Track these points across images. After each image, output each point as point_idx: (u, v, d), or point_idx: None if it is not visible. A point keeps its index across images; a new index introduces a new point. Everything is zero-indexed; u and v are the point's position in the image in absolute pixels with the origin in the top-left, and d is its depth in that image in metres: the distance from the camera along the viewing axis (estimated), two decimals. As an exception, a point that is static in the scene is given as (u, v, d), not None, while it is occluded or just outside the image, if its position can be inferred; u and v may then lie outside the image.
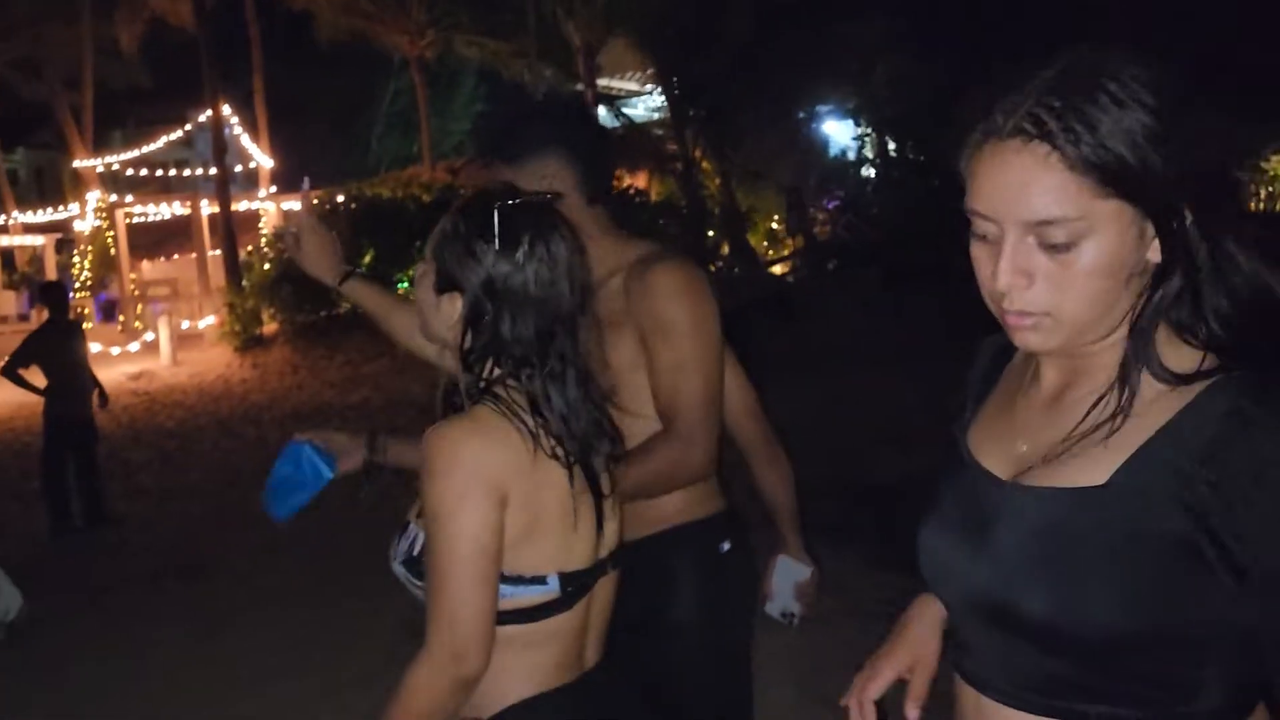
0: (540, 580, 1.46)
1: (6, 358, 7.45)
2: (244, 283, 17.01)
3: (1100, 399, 1.03)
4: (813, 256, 17.79)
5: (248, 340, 16.26)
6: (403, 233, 16.51)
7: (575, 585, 1.48)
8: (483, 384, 1.48)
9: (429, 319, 1.55)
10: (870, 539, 5.48)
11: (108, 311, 20.89)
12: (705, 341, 1.90)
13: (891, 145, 18.40)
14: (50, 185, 30.10)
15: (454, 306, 1.49)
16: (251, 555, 6.41)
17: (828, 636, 3.92)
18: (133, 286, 20.24)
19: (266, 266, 16.79)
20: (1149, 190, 0.96)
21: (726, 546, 1.99)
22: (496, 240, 1.46)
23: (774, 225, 21.35)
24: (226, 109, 19.90)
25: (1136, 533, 0.97)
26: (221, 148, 18.36)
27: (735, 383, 2.36)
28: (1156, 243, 0.99)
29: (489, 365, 1.49)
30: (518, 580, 1.44)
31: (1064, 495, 1.02)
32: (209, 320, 17.91)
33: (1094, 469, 1.00)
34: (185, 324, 17.91)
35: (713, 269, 16.86)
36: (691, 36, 16.67)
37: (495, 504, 1.39)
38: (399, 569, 1.54)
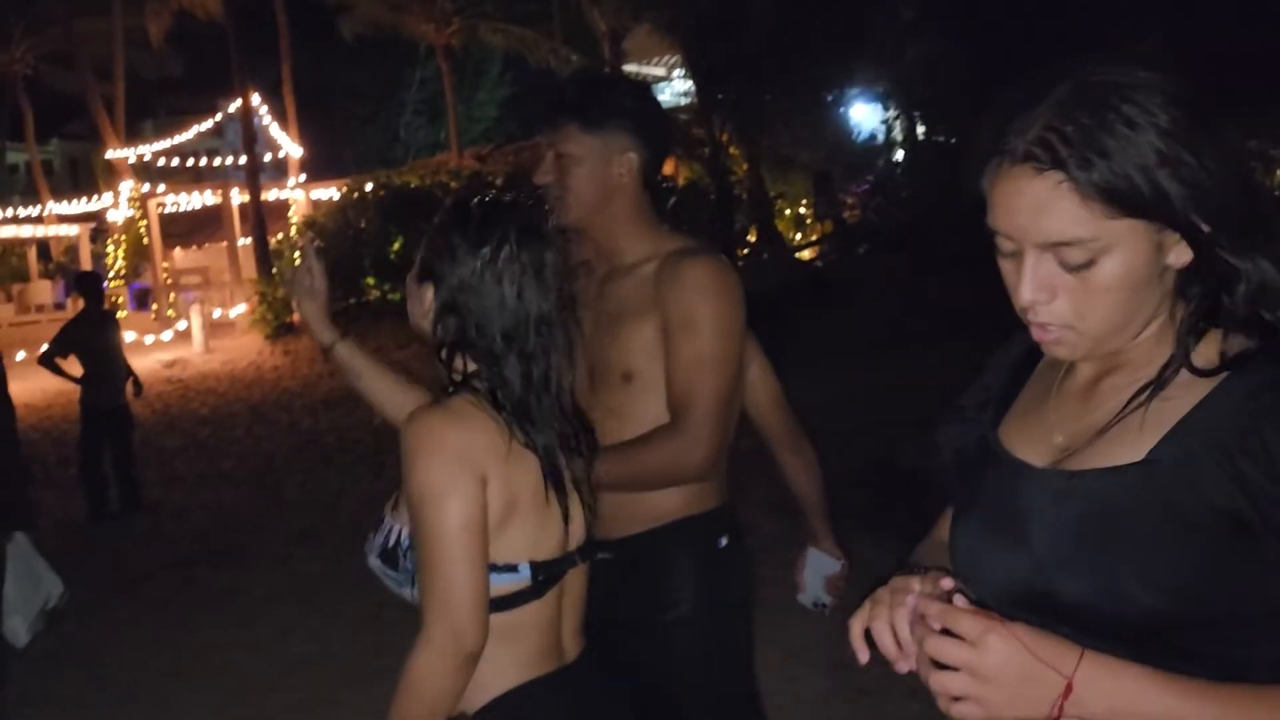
0: (512, 568, 1.50)
1: (43, 347, 7.56)
2: (274, 271, 17.15)
3: (1140, 390, 1.04)
4: (842, 241, 17.70)
5: (279, 328, 16.41)
6: (431, 221, 16.56)
7: (545, 574, 1.53)
8: (458, 376, 1.53)
9: (411, 306, 1.63)
10: (900, 527, 5.44)
11: (141, 300, 21.14)
12: (727, 342, 1.88)
13: (921, 128, 18.23)
14: (84, 176, 30.47)
15: (427, 295, 1.57)
16: (285, 542, 6.48)
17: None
18: (165, 275, 20.46)
19: (296, 255, 16.91)
20: (1162, 210, 0.98)
21: (724, 542, 1.98)
22: (471, 238, 1.53)
23: (802, 210, 21.24)
24: (255, 99, 20.01)
25: (1177, 509, 0.97)
26: (251, 137, 18.50)
27: (761, 373, 2.35)
28: (1177, 248, 1.01)
29: (461, 358, 1.55)
30: (490, 568, 1.47)
31: (1102, 476, 1.02)
32: (240, 308, 18.08)
33: (1131, 448, 1.01)
34: (217, 312, 18.10)
35: (741, 255, 16.80)
36: (718, 20, 16.56)
37: (479, 484, 1.45)
38: (375, 562, 1.58)
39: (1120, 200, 0.96)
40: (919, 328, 10.46)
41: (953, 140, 15.99)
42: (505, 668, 1.51)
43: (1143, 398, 1.03)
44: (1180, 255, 1.01)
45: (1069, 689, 0.93)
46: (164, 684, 4.41)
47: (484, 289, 1.51)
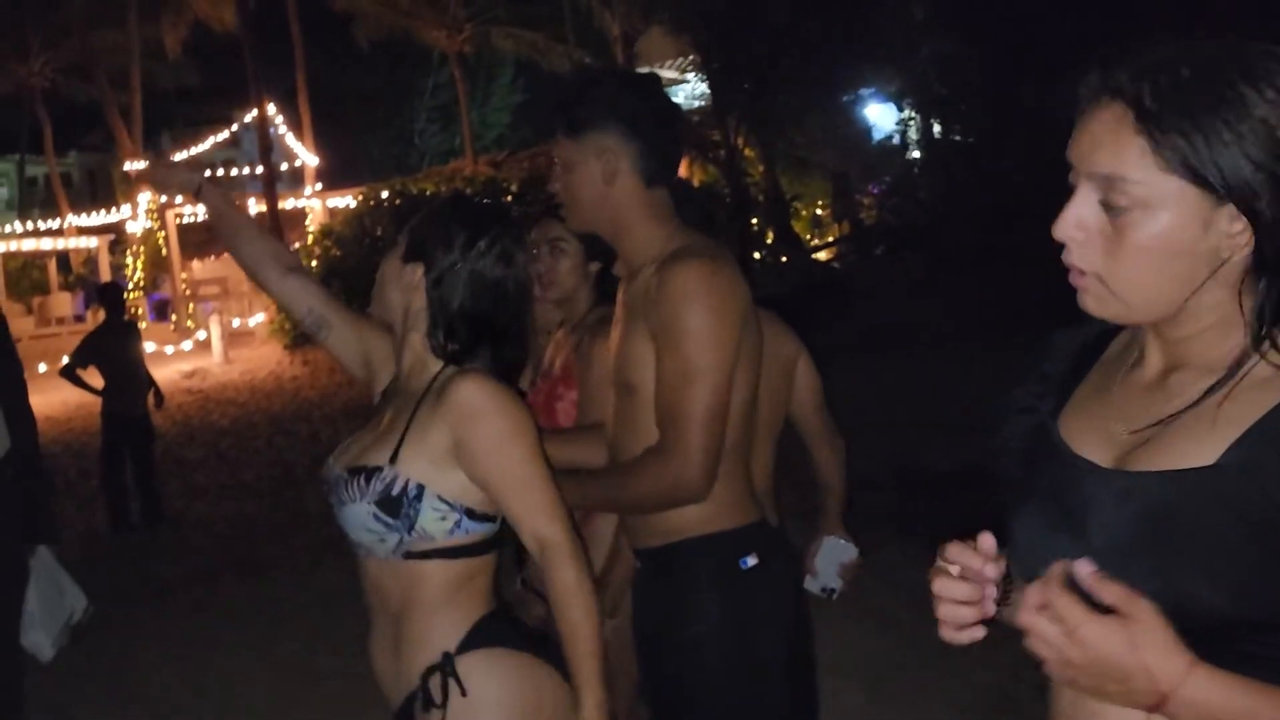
0: (490, 518, 1.71)
1: (65, 358, 7.57)
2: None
3: (1212, 387, 1.00)
4: (859, 242, 17.63)
5: (297, 337, 16.43)
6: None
7: (502, 528, 1.75)
8: (450, 351, 1.73)
9: (387, 287, 1.78)
10: (932, 531, 5.36)
11: (160, 311, 21.24)
12: (714, 352, 1.75)
13: (937, 127, 18.14)
14: (102, 187, 30.72)
15: (415, 275, 1.73)
16: (309, 554, 6.45)
17: (894, 634, 3.86)
18: (184, 286, 20.55)
19: (314, 264, 16.95)
20: (1218, 179, 0.95)
21: (750, 562, 1.85)
22: (470, 228, 1.72)
23: (818, 211, 21.18)
24: (271, 108, 20.08)
25: (1244, 513, 0.94)
26: (267, 147, 18.54)
27: (805, 370, 2.43)
28: (1230, 231, 0.97)
29: (444, 336, 1.73)
30: (483, 517, 1.69)
31: (1170, 478, 0.99)
32: (259, 318, 18.13)
33: (1201, 450, 0.98)
34: (236, 322, 18.17)
35: (758, 257, 16.74)
36: (732, 21, 16.52)
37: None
38: (366, 508, 1.66)
39: (1176, 152, 0.95)
40: (937, 329, 10.39)
41: (970, 140, 15.90)
42: (479, 600, 1.71)
43: (1213, 397, 0.99)
44: (1233, 242, 0.97)
45: (1164, 698, 0.91)
46: (190, 699, 4.38)
47: (479, 272, 1.71)
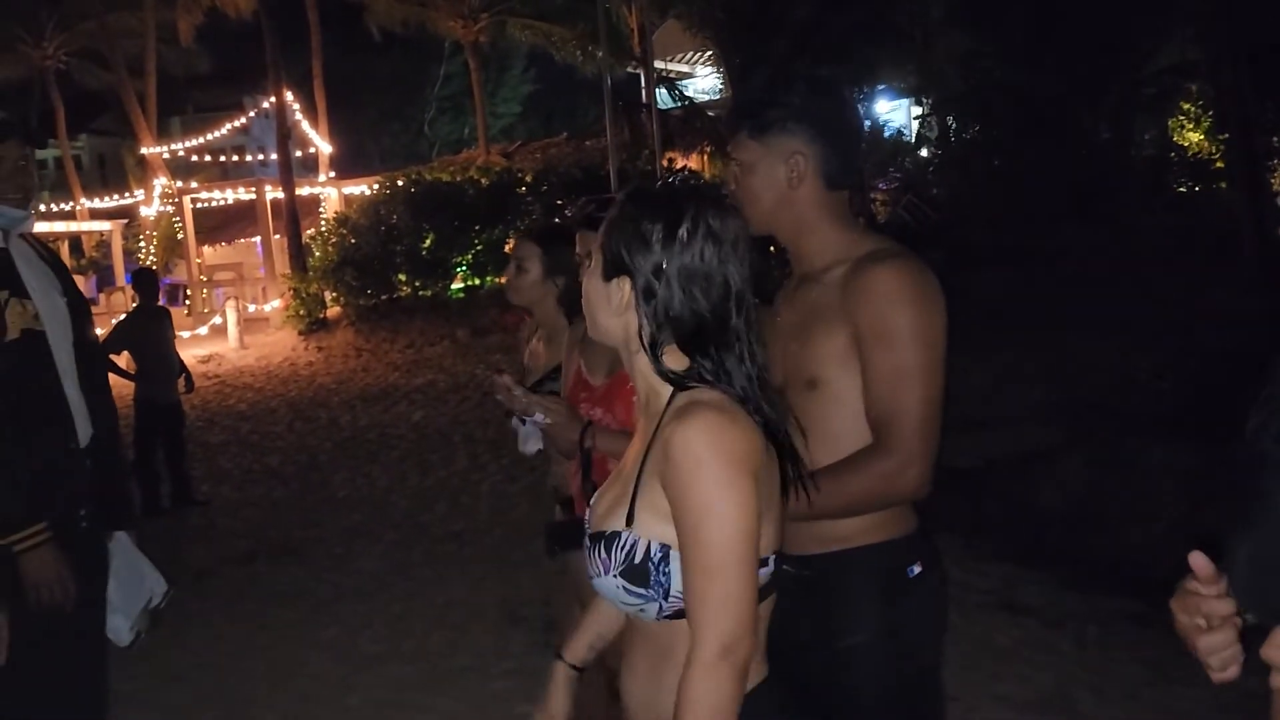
0: (763, 562, 1.43)
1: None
2: (308, 266, 17.23)
3: None
4: (873, 238, 17.65)
5: (312, 324, 16.49)
6: (462, 216, 16.63)
7: (778, 567, 1.49)
8: (675, 374, 1.46)
9: (598, 310, 1.52)
10: (960, 529, 5.44)
11: (171, 295, 21.29)
12: (929, 351, 1.75)
13: (952, 124, 18.16)
14: (112, 171, 30.72)
15: (623, 290, 1.48)
16: (342, 540, 6.53)
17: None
18: (199, 271, 20.63)
19: (330, 251, 16.98)
20: None
21: (916, 570, 1.82)
22: (664, 219, 1.45)
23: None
24: (288, 95, 20.11)
25: None
26: (285, 134, 18.55)
27: None
28: None
29: (665, 350, 1.47)
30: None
31: None
32: (274, 304, 18.19)
33: None
34: (251, 308, 18.22)
35: (772, 251, 16.75)
36: (751, 16, 16.53)
37: (756, 487, 1.38)
38: (613, 582, 1.44)
39: None
40: (953, 326, 10.40)
41: (989, 133, 15.92)
42: None
43: None
44: None
45: None
46: (236, 683, 4.42)
47: (690, 267, 1.44)
